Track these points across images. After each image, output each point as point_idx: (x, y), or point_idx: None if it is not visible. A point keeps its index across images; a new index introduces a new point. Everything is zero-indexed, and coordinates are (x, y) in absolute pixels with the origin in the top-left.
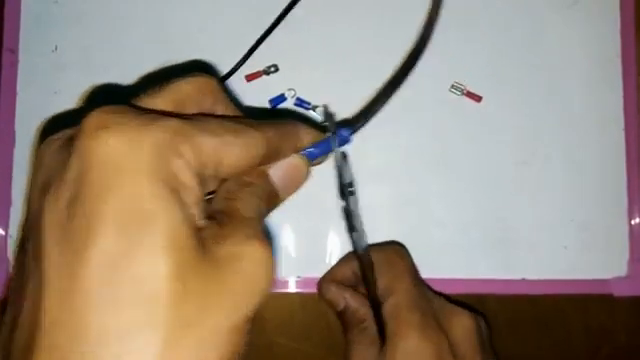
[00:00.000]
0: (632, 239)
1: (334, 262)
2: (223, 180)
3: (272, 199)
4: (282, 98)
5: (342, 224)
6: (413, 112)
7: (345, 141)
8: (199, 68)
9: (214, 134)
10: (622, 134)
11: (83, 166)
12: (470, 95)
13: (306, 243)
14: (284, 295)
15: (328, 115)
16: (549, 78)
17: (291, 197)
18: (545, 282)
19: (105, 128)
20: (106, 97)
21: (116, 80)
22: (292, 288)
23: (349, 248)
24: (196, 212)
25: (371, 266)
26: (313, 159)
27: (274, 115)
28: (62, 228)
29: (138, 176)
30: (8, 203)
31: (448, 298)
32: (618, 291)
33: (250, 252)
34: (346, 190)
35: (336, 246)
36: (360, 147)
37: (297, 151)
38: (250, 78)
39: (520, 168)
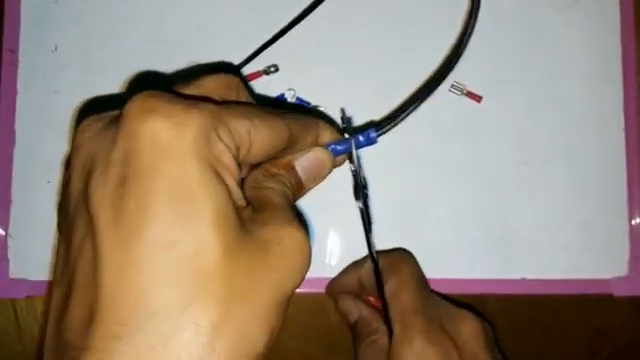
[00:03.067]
0: (632, 239)
1: (334, 262)
2: (249, 169)
3: (298, 189)
4: (282, 98)
5: (342, 224)
6: (413, 112)
7: (371, 142)
8: (223, 68)
9: (246, 117)
10: (622, 134)
11: (131, 147)
12: (470, 95)
13: None
14: None
15: (346, 118)
16: (549, 78)
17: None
18: (545, 282)
19: (152, 111)
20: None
21: (116, 80)
22: None
23: (349, 248)
24: (238, 192)
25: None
26: (336, 155)
27: (297, 109)
28: (114, 207)
29: (185, 158)
30: (8, 203)
31: (455, 302)
32: (618, 291)
33: (288, 236)
34: (362, 191)
35: (336, 246)
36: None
37: (316, 145)
38: (250, 78)
39: (520, 168)
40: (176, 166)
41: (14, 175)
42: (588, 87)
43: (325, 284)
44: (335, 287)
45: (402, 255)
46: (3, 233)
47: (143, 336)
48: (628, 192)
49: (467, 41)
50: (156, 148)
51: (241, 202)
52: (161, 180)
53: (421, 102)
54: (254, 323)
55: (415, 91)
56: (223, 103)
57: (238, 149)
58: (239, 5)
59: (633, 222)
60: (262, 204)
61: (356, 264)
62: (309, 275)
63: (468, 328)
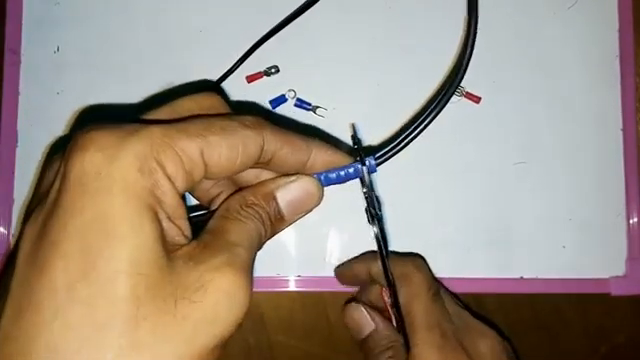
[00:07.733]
0: (630, 238)
1: (334, 261)
2: (235, 192)
3: (277, 222)
4: (282, 99)
5: (342, 223)
6: (412, 113)
7: (370, 170)
8: (206, 87)
9: (197, 136)
10: (620, 134)
11: (61, 186)
12: (469, 96)
13: (306, 242)
14: (284, 294)
15: (356, 139)
16: (548, 79)
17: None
18: (543, 281)
19: (85, 147)
20: (107, 117)
21: (118, 81)
22: (292, 287)
23: (349, 248)
24: (173, 228)
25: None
26: (329, 184)
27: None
28: (33, 246)
29: (109, 195)
30: (10, 202)
31: (473, 312)
32: (616, 290)
33: (218, 281)
34: (377, 217)
35: (336, 245)
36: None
37: (305, 166)
38: (251, 79)
39: (519, 168)
40: (97, 204)
41: (16, 175)
42: (586, 88)
43: (325, 283)
44: (345, 273)
45: (414, 263)
46: (5, 232)
47: None
48: (626, 192)
49: (467, 65)
50: (80, 186)
51: (179, 238)
52: (77, 220)
53: (423, 129)
54: None
55: (414, 115)
56: (176, 121)
57: (191, 172)
58: (239, 5)
59: (631, 222)
60: (215, 239)
61: (368, 256)
62: (309, 274)
63: (486, 347)
